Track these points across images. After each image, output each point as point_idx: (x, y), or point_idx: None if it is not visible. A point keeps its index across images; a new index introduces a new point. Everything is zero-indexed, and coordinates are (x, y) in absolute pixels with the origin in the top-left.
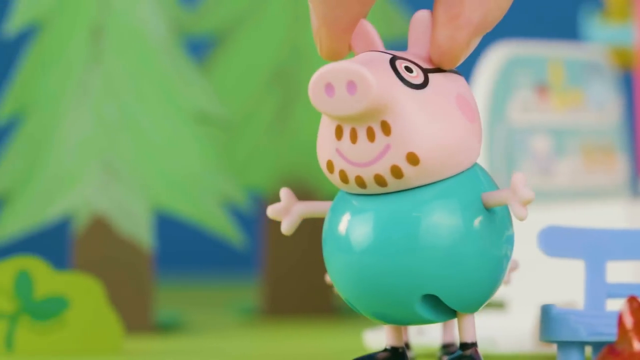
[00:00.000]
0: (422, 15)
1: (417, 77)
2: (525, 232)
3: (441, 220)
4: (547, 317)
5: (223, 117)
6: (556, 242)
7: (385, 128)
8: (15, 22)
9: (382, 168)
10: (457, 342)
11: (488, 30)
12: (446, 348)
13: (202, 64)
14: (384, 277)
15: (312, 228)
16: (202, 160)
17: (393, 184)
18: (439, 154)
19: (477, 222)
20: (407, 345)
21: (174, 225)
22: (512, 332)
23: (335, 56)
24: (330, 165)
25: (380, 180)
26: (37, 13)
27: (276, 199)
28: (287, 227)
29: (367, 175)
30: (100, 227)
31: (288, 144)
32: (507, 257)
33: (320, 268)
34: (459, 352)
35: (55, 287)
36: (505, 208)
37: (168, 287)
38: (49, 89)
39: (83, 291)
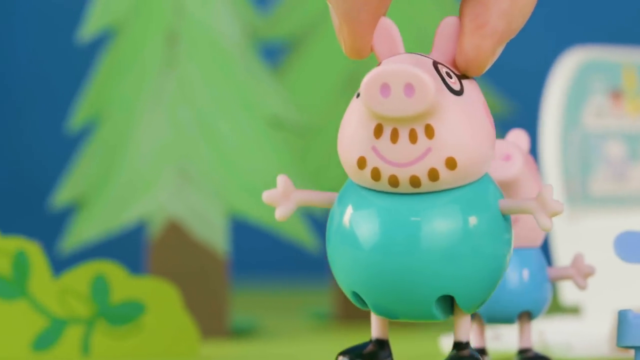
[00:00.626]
0: (449, 21)
1: (455, 83)
2: (601, 237)
3: (450, 225)
4: (624, 322)
5: (297, 123)
6: (632, 247)
7: (429, 131)
8: (90, 28)
9: (420, 170)
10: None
11: (512, 38)
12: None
13: (276, 70)
14: (390, 275)
15: None
16: (276, 165)
17: (426, 185)
18: (475, 161)
19: (487, 228)
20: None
21: (249, 230)
22: (588, 338)
23: (359, 54)
24: (362, 162)
25: (415, 181)
26: (111, 19)
27: None
28: (283, 214)
29: (403, 175)
30: (176, 232)
31: None
32: (506, 260)
33: None
34: (454, 352)
35: (131, 292)
36: (507, 219)
37: (243, 292)
38: (124, 95)
39: (159, 296)
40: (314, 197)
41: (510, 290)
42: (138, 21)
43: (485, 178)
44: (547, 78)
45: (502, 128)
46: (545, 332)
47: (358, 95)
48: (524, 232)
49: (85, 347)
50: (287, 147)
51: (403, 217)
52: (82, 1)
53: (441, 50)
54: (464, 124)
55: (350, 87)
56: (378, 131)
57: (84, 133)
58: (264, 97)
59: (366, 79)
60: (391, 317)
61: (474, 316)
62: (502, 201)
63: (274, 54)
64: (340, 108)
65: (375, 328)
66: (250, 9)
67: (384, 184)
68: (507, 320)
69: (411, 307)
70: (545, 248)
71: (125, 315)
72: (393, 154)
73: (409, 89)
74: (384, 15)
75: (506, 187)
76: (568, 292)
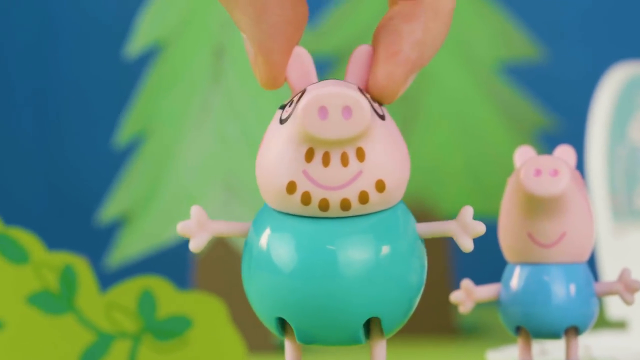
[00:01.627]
0: (362, 49)
1: (379, 108)
2: None
3: (366, 252)
4: None
5: None
6: None
7: (360, 154)
8: (137, 44)
9: (351, 193)
10: None
11: (423, 67)
12: None
13: None
14: (312, 300)
15: (431, 247)
16: None
17: (357, 208)
18: (399, 183)
19: (403, 254)
20: None
21: None
22: (634, 352)
23: (274, 84)
24: (292, 187)
25: (345, 205)
26: (158, 34)
27: None
28: (197, 245)
29: (334, 198)
30: (222, 247)
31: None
32: (423, 282)
33: (441, 287)
34: None
35: (178, 306)
36: (422, 241)
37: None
38: (171, 109)
39: (205, 310)
40: (229, 228)
41: (557, 306)
42: (185, 36)
43: (401, 203)
44: (594, 93)
45: (549, 143)
46: (591, 347)
47: (281, 122)
48: (570, 248)
49: None
50: None
51: (321, 243)
52: (129, 17)
53: (355, 77)
54: (390, 147)
55: (395, 103)
56: (309, 155)
57: (131, 148)
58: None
59: (303, 101)
60: (314, 342)
61: (520, 331)
62: (419, 225)
63: (319, 68)
64: None
65: (289, 355)
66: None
67: (313, 208)
68: (553, 335)
69: (334, 331)
70: (592, 263)
71: (171, 329)
72: (324, 177)
73: (347, 111)
74: (297, 44)
75: (554, 203)
76: (614, 307)
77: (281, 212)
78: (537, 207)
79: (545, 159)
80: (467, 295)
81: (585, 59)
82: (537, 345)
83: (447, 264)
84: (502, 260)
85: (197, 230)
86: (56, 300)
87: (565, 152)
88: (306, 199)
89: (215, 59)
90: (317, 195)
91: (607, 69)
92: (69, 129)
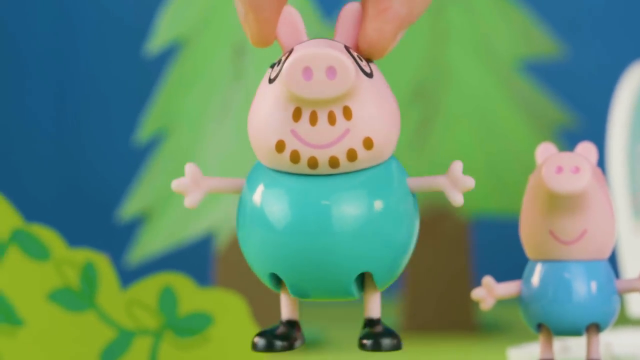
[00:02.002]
0: (351, 7)
1: (366, 66)
2: None
3: (359, 207)
4: None
5: None
6: None
7: (347, 113)
8: (158, 41)
9: (339, 150)
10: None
11: (412, 23)
12: None
13: None
14: (305, 254)
15: (452, 244)
16: None
17: (345, 166)
18: (388, 141)
19: (394, 208)
20: None
21: None
22: None
23: (264, 43)
24: (280, 145)
25: (334, 162)
26: (179, 32)
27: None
28: (192, 202)
29: (323, 156)
30: None
31: (427, 161)
32: (415, 236)
33: (461, 284)
34: (368, 329)
35: (199, 303)
36: (414, 196)
37: (310, 304)
38: (192, 107)
39: (227, 307)
40: (223, 184)
41: (578, 303)
42: (206, 34)
43: (392, 159)
44: (615, 90)
45: (569, 141)
46: (612, 344)
47: (270, 81)
48: (592, 245)
49: (153, 359)
50: None
51: (314, 199)
52: (149, 15)
53: (344, 35)
54: (378, 105)
55: (416, 99)
56: (297, 114)
57: (152, 145)
58: None
59: (287, 63)
60: (307, 296)
61: (541, 328)
62: (410, 179)
63: None
64: (407, 120)
65: (285, 310)
66: (317, 19)
67: (302, 166)
68: (575, 332)
69: (327, 285)
70: (613, 260)
71: (193, 326)
72: (312, 136)
73: (331, 71)
74: (287, 3)
75: (575, 200)
76: (636, 304)
77: (273, 170)
78: (558, 204)
79: (566, 156)
80: (488, 292)
81: (605, 56)
82: (559, 343)
83: (467, 261)
84: (523, 257)
85: (192, 187)
86: (77, 297)
87: (586, 149)
88: (295, 157)
89: (235, 57)
90: (305, 154)
91: (628, 66)
92: (89, 127)
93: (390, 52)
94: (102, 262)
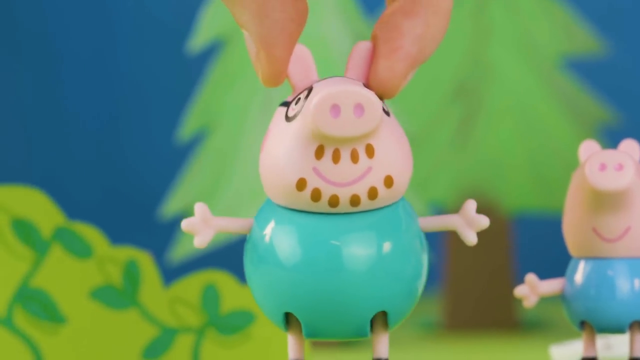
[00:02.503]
0: (362, 45)
1: (384, 105)
2: None
3: (369, 248)
4: None
5: (407, 132)
6: None
7: (370, 151)
8: (200, 39)
9: (361, 189)
10: None
11: (423, 63)
12: None
13: None
14: (317, 294)
15: (493, 241)
16: None
17: (365, 204)
18: (405, 179)
19: (405, 249)
20: None
21: None
22: None
23: (275, 81)
24: (302, 184)
25: (355, 200)
26: (221, 30)
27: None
28: (202, 242)
29: (344, 195)
30: None
31: (469, 158)
32: (424, 276)
33: (502, 281)
34: None
35: (241, 301)
36: (422, 234)
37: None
38: (234, 104)
39: None
40: (232, 224)
41: (621, 300)
42: None
43: (402, 198)
44: None
45: (611, 138)
46: None
47: (288, 119)
48: (635, 243)
49: (196, 356)
50: None
51: (326, 238)
52: (191, 13)
53: (355, 73)
54: (397, 143)
55: (458, 96)
56: (319, 152)
57: (194, 143)
58: None
59: (315, 100)
60: (320, 336)
61: (584, 326)
62: (422, 219)
63: None
64: (448, 117)
65: (293, 350)
66: (360, 17)
67: (323, 205)
68: (618, 329)
69: (341, 325)
70: None
71: (235, 324)
72: (335, 174)
73: (359, 109)
74: (297, 40)
75: (618, 197)
76: None
77: (284, 208)
78: (601, 201)
79: (610, 153)
80: (531, 290)
81: None
82: (602, 340)
83: (508, 258)
84: (564, 254)
85: (202, 227)
86: (119, 295)
87: (630, 147)
88: (316, 195)
89: None
90: (327, 192)
91: None
92: (132, 125)
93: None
94: (145, 260)
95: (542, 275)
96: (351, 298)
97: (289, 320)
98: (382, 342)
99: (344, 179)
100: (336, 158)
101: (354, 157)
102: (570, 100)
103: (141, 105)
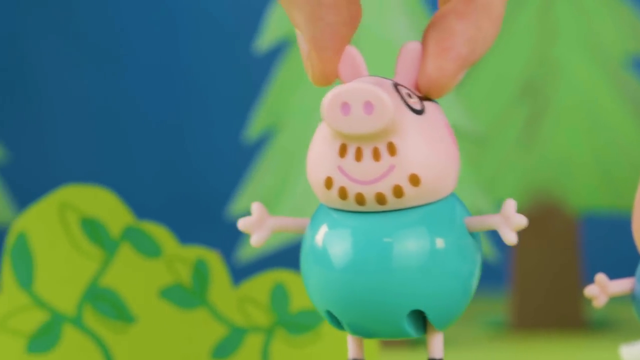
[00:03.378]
0: (412, 45)
1: (416, 103)
2: None
3: (418, 245)
4: None
5: (473, 131)
6: None
7: (391, 149)
8: (267, 38)
9: (385, 187)
10: None
11: (473, 64)
12: None
13: None
14: (362, 293)
15: (560, 241)
16: None
17: (393, 202)
18: (436, 178)
19: (455, 246)
20: None
21: None
22: None
23: (326, 81)
24: (329, 182)
25: (380, 199)
26: (288, 29)
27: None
28: (258, 241)
29: (369, 193)
30: None
31: (536, 158)
32: (475, 277)
33: (570, 281)
34: None
35: (310, 300)
36: (477, 232)
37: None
38: (301, 104)
39: None
40: (289, 223)
41: None
42: None
43: (452, 197)
44: None
45: None
46: None
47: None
48: None
49: (265, 356)
50: (464, 156)
51: (373, 237)
52: (256, 12)
53: (403, 73)
54: (426, 141)
55: (524, 96)
56: (343, 150)
57: (262, 142)
58: (442, 107)
59: (326, 98)
60: (366, 335)
61: None
62: (467, 219)
63: None
64: (516, 116)
65: (352, 349)
66: (427, 18)
67: (351, 203)
68: None
69: (383, 325)
70: None
71: (304, 323)
72: (358, 172)
73: (368, 106)
74: (350, 41)
75: None
76: None
77: (332, 208)
78: None
79: None
80: (601, 290)
81: None
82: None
83: (576, 257)
84: (632, 254)
85: (258, 226)
86: (188, 294)
87: None
88: (343, 193)
89: None
90: (352, 190)
91: None
92: (199, 125)
93: (499, 49)
94: (214, 259)
95: (610, 275)
96: (387, 297)
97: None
98: (437, 342)
99: (367, 177)
100: (358, 156)
101: (376, 155)
102: (637, 98)
103: (208, 106)
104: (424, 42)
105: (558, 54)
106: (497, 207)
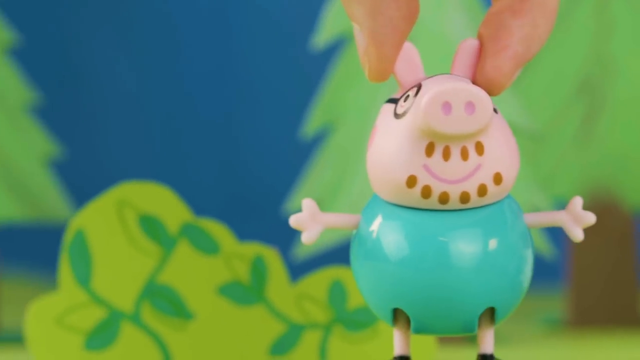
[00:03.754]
0: (469, 43)
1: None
2: None
3: (476, 244)
4: None
5: (531, 128)
6: None
7: (479, 148)
8: (324, 36)
9: (471, 186)
10: None
11: (529, 61)
12: None
13: None
14: (426, 290)
15: (618, 237)
16: None
17: (475, 201)
18: (513, 176)
19: (516, 243)
20: None
21: None
22: None
23: (382, 77)
24: (412, 181)
25: (465, 198)
26: (346, 27)
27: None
28: (310, 238)
29: (454, 192)
30: None
31: (593, 154)
32: (528, 278)
33: (627, 278)
34: None
35: None
36: (528, 230)
37: None
38: (358, 101)
39: None
40: (340, 220)
41: None
42: None
43: (509, 195)
44: None
45: None
46: None
47: (397, 116)
48: None
49: (323, 352)
50: (521, 152)
51: (435, 234)
52: (315, 9)
53: (461, 71)
54: (505, 140)
55: (581, 93)
56: (429, 150)
57: (318, 139)
58: (500, 104)
59: (427, 97)
60: (429, 331)
61: None
62: (527, 215)
63: None
64: (573, 113)
65: (398, 345)
66: (483, 13)
67: (433, 201)
68: None
69: (450, 320)
70: None
71: (362, 320)
72: (445, 171)
73: (470, 107)
74: (407, 38)
75: None
76: None
77: (393, 204)
78: None
79: None
80: None
81: None
82: None
83: (633, 254)
84: None
85: (310, 222)
86: (246, 291)
87: None
88: (426, 192)
89: None
90: (437, 189)
91: None
92: (256, 121)
93: (556, 46)
94: (272, 256)
95: None
96: (459, 294)
97: (395, 315)
98: (488, 338)
99: (455, 176)
100: (446, 155)
101: (464, 155)
102: None
103: (265, 103)
104: (479, 39)
105: (614, 50)
106: (554, 204)
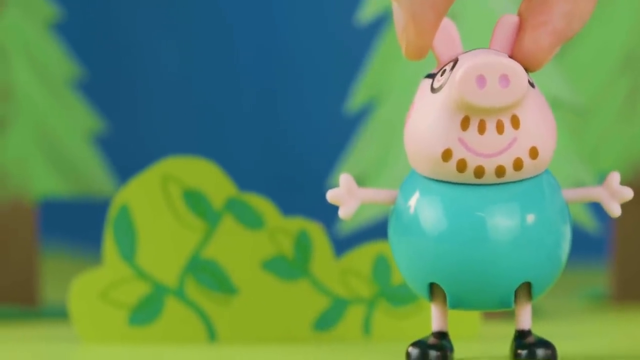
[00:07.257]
0: (508, 19)
1: (529, 76)
2: None
3: (513, 219)
4: None
5: (575, 103)
6: None
7: (515, 122)
8: (368, 12)
9: (506, 160)
10: None
11: (570, 39)
12: None
13: None
14: (463, 265)
15: None
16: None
17: (510, 175)
18: (550, 150)
19: (554, 218)
20: None
21: None
22: None
23: (420, 54)
24: (447, 154)
25: (500, 171)
26: (389, 2)
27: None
28: (347, 213)
29: (490, 165)
30: None
31: (638, 129)
32: (567, 247)
33: None
34: (521, 341)
35: None
36: (566, 205)
37: None
38: (403, 76)
39: None
40: (377, 195)
41: None
42: None
43: (547, 170)
44: None
45: None
46: None
47: (433, 90)
48: None
49: (367, 327)
50: (566, 127)
51: (473, 209)
52: None
53: (499, 46)
54: (542, 114)
55: (627, 67)
56: (465, 123)
57: (363, 114)
58: (545, 78)
59: (462, 71)
60: (465, 307)
61: None
62: (565, 191)
63: None
64: (619, 87)
65: (436, 321)
66: None
67: (468, 175)
68: None
69: (487, 295)
70: None
71: (406, 295)
72: (480, 145)
73: (504, 80)
74: (446, 14)
75: None
76: None
77: (430, 179)
78: None
79: None
80: None
81: None
82: None
83: None
84: None
85: (347, 197)
86: (291, 266)
87: None
88: (462, 166)
89: None
90: (472, 163)
91: None
92: (300, 96)
93: (601, 21)
94: (316, 231)
95: None
96: (496, 268)
97: (432, 291)
98: (526, 313)
99: (490, 149)
100: (482, 129)
101: (500, 128)
102: None
103: (309, 76)
104: (520, 14)
105: None
106: (599, 178)
